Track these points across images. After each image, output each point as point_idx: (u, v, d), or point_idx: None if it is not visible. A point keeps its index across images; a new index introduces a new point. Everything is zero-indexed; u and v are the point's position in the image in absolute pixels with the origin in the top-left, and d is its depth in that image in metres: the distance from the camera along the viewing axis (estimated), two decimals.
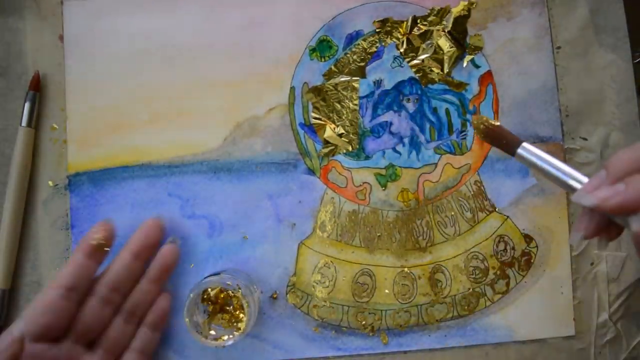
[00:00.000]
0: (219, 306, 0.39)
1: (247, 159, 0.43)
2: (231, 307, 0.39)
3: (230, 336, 0.37)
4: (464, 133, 0.43)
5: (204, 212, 0.42)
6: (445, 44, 0.43)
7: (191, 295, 0.37)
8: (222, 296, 0.39)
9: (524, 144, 0.33)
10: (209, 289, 0.39)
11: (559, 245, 0.43)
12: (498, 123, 0.36)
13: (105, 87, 0.43)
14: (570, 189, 0.31)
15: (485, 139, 0.37)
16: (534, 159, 0.32)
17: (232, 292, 0.37)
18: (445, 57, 0.43)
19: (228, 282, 0.37)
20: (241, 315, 0.38)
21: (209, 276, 0.39)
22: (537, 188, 0.43)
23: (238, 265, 0.42)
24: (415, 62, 0.43)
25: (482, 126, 0.36)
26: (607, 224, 0.30)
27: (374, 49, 0.43)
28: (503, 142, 0.35)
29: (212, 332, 0.38)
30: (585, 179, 0.30)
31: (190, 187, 0.42)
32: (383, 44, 0.43)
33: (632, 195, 0.26)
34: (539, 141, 0.43)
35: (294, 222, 0.42)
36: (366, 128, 0.43)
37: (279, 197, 0.42)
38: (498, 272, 0.43)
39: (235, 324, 0.38)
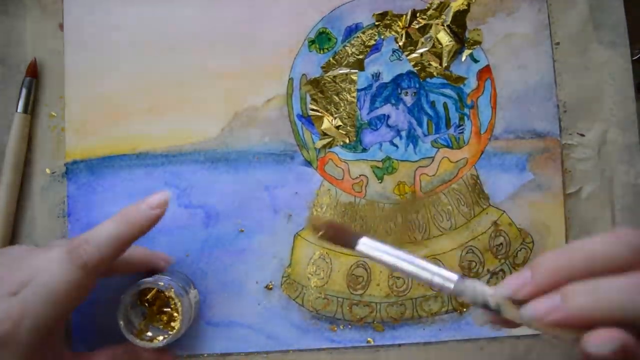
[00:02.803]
0: (156, 307, 0.39)
1: (245, 150, 0.43)
2: (169, 309, 0.39)
3: (165, 336, 0.37)
4: (461, 127, 0.43)
5: (200, 202, 0.42)
6: (444, 38, 0.43)
7: (123, 297, 0.37)
8: (160, 297, 0.39)
9: (363, 239, 0.30)
10: (147, 290, 0.39)
11: (555, 241, 0.43)
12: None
13: (104, 76, 0.43)
14: (427, 282, 0.27)
15: (324, 238, 0.32)
16: (373, 253, 0.29)
17: (167, 292, 0.37)
18: (444, 51, 0.43)
19: (160, 282, 0.37)
20: (175, 314, 0.38)
21: (144, 277, 0.38)
22: (534, 183, 0.43)
23: (234, 256, 0.42)
24: (413, 55, 0.43)
25: (320, 229, 0.32)
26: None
27: (373, 41, 0.43)
28: (343, 238, 0.31)
29: (149, 333, 0.38)
30: (442, 272, 0.27)
31: (187, 177, 0.42)
32: (382, 37, 0.43)
33: (575, 312, 0.22)
34: (537, 136, 0.43)
35: (290, 213, 0.42)
36: (364, 121, 0.43)
37: (276, 188, 0.42)
38: (493, 267, 0.43)
39: (170, 324, 0.39)
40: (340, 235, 0.32)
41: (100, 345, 0.38)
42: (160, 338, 0.37)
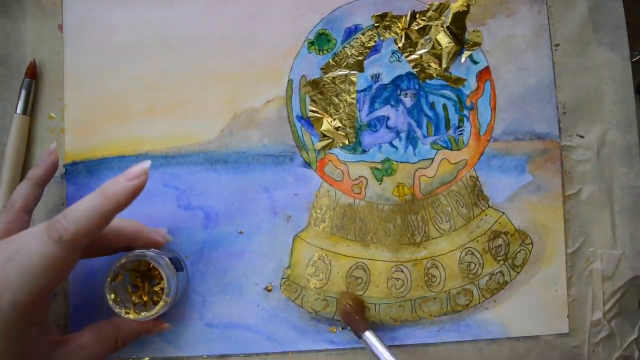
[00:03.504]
0: (146, 282, 0.39)
1: (244, 151, 0.43)
2: (158, 283, 0.39)
3: (152, 310, 0.37)
4: (461, 129, 0.43)
5: (200, 203, 0.42)
6: (444, 39, 0.43)
7: (108, 271, 0.37)
8: (149, 274, 0.39)
9: (367, 333, 0.38)
10: (135, 265, 0.39)
11: (554, 243, 0.43)
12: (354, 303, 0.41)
13: (103, 77, 0.43)
14: None
15: (341, 317, 0.41)
16: (372, 348, 0.37)
17: (152, 263, 0.37)
18: (444, 53, 0.43)
19: (145, 254, 0.37)
20: (163, 287, 0.38)
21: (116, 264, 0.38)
22: (534, 185, 0.43)
23: (233, 257, 0.42)
24: (413, 57, 0.43)
25: (342, 306, 0.41)
26: None
27: (373, 43, 0.43)
28: (354, 322, 0.40)
29: (138, 306, 0.38)
30: None
31: (186, 178, 0.42)
32: (382, 38, 0.43)
33: None
34: (536, 138, 0.43)
35: (289, 215, 0.42)
36: (363, 122, 0.43)
37: (275, 190, 0.42)
38: (493, 269, 0.43)
39: (159, 296, 0.39)
40: (354, 319, 0.40)
41: None
42: (149, 311, 0.37)
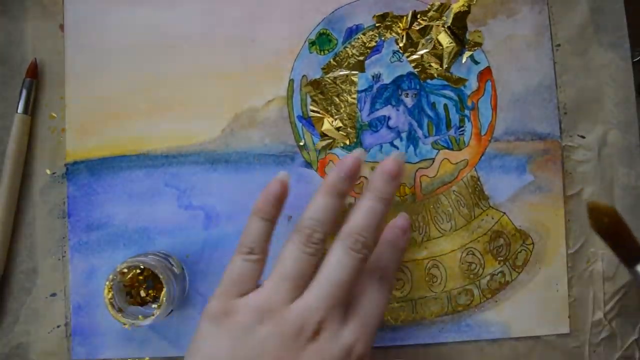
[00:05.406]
0: (142, 288, 0.40)
1: (245, 151, 0.43)
2: (154, 289, 0.40)
3: (150, 315, 0.37)
4: (461, 129, 0.43)
5: (200, 203, 0.42)
6: (444, 39, 0.43)
7: (107, 278, 0.37)
8: (140, 279, 0.39)
9: None
10: (130, 272, 0.39)
11: (555, 243, 0.43)
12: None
13: (104, 77, 0.43)
14: None
15: (601, 233, 0.32)
16: None
17: (154, 270, 0.37)
18: (445, 53, 0.43)
19: (143, 261, 0.37)
20: (159, 294, 0.38)
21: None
22: (535, 185, 0.43)
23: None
24: (414, 57, 0.43)
25: (604, 219, 0.31)
26: None
27: (374, 43, 0.43)
28: (623, 245, 0.30)
29: (134, 312, 0.38)
30: None
31: (187, 178, 0.42)
32: (382, 38, 0.43)
33: None
34: (537, 138, 0.43)
35: (290, 215, 0.42)
36: (364, 122, 0.43)
37: None
38: (493, 269, 0.43)
39: (155, 303, 0.39)
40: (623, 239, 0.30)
41: (101, 345, 0.38)
42: (146, 317, 0.37)
